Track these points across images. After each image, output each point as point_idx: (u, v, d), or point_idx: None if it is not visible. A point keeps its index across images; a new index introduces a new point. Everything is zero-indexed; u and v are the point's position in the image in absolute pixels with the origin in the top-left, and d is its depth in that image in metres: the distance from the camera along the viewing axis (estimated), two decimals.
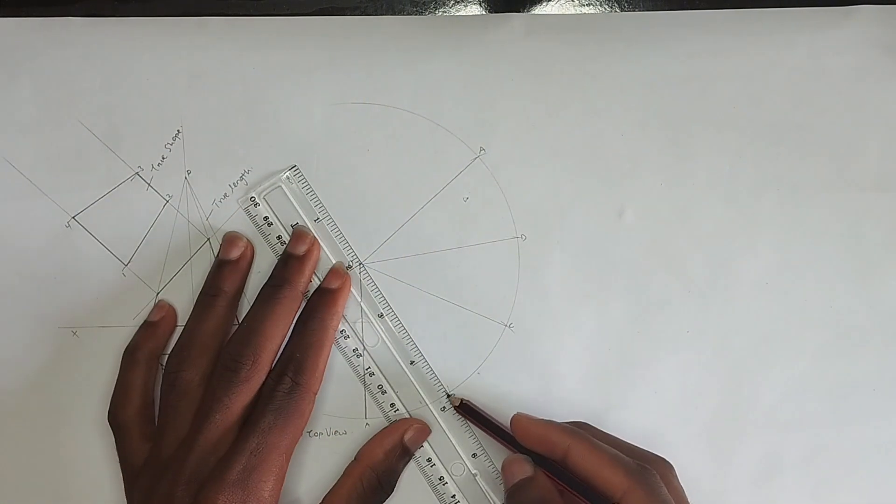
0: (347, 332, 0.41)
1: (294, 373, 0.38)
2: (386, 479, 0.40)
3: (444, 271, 0.41)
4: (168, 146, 0.41)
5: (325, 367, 0.39)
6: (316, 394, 0.38)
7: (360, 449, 0.40)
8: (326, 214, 0.41)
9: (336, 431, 0.41)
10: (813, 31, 0.42)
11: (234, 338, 0.38)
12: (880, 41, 0.42)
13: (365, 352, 0.41)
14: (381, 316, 0.41)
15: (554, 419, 0.39)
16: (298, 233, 0.41)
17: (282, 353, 0.39)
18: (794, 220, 0.42)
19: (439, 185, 0.41)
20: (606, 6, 0.43)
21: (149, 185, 0.41)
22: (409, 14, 0.43)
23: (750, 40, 0.42)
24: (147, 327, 0.40)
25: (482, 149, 0.42)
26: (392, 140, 0.41)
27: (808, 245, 0.42)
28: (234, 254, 0.40)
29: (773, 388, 0.42)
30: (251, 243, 0.41)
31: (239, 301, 0.40)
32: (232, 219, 0.41)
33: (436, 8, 0.43)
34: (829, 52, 0.42)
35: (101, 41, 0.41)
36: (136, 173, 0.41)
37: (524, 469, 0.37)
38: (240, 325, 0.39)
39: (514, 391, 0.41)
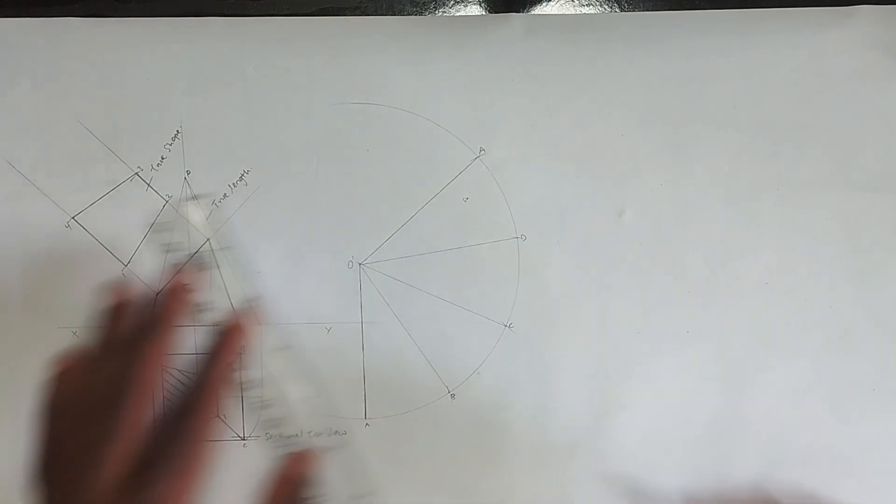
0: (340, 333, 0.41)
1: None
2: None
3: (444, 271, 0.41)
4: (167, 146, 0.41)
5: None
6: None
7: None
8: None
9: (336, 432, 0.41)
10: (813, 31, 0.42)
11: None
12: (880, 41, 0.42)
13: (364, 353, 0.41)
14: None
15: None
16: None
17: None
18: (794, 220, 0.42)
19: (439, 185, 0.41)
20: (606, 6, 0.43)
21: (148, 185, 0.41)
22: (409, 14, 0.43)
23: (750, 40, 0.42)
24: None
25: (482, 149, 0.42)
26: (392, 140, 0.41)
27: (808, 245, 0.42)
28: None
29: (773, 388, 0.42)
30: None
31: None
32: (231, 220, 0.41)
33: (436, 8, 0.43)
34: (830, 52, 0.42)
35: (101, 41, 0.41)
36: (136, 174, 0.41)
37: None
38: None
39: (514, 391, 0.41)
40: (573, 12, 0.43)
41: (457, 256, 0.41)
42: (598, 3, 0.43)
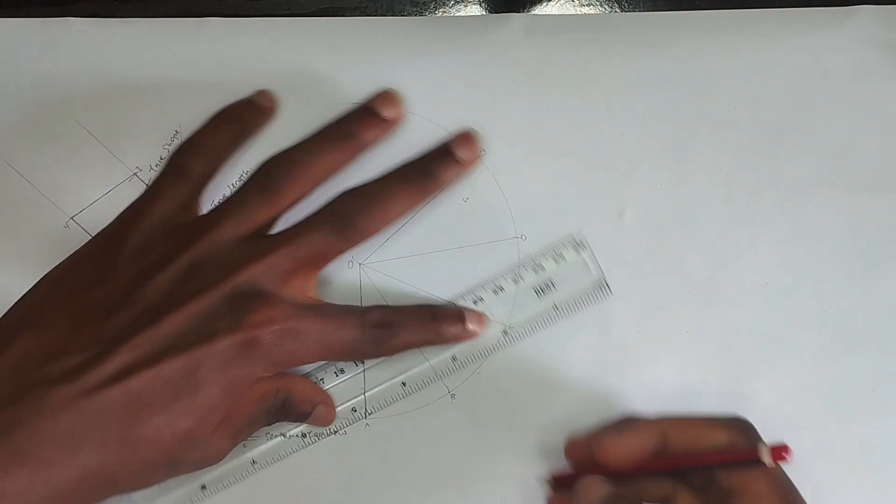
0: None
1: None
2: (282, 410, 0.38)
3: (444, 271, 0.41)
4: (166, 147, 0.41)
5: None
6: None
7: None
8: None
9: (336, 431, 0.41)
10: (813, 32, 0.42)
11: (272, 160, 0.37)
12: (880, 41, 0.42)
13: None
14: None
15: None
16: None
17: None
18: (794, 220, 0.42)
19: None
20: (606, 6, 0.43)
21: (147, 185, 0.41)
22: (409, 14, 0.43)
23: (750, 40, 0.42)
24: (252, 107, 0.40)
25: (482, 149, 0.41)
26: (392, 140, 0.41)
27: (808, 245, 0.42)
28: (389, 113, 0.39)
29: (773, 388, 0.42)
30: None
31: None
32: None
33: (436, 8, 0.43)
34: (830, 52, 0.42)
35: (100, 41, 0.41)
36: (135, 174, 0.41)
37: (599, 490, 0.35)
38: (279, 152, 0.38)
39: (515, 391, 0.41)
40: (573, 12, 0.43)
41: (457, 256, 0.41)
42: (598, 3, 0.43)
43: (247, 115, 0.40)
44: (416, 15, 0.43)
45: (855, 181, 0.42)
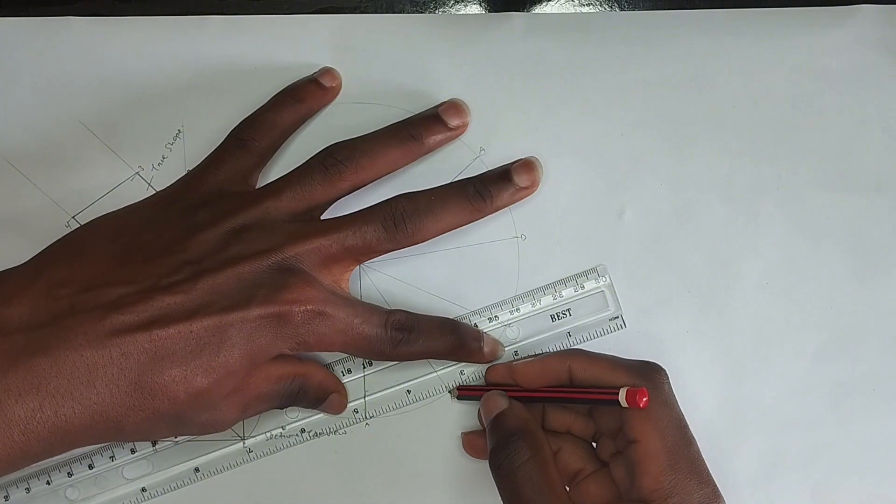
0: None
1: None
2: (297, 396, 0.38)
3: (444, 271, 0.41)
4: (168, 146, 0.41)
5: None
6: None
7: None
8: None
9: (336, 431, 0.41)
10: (813, 31, 0.42)
11: (338, 144, 0.38)
12: (880, 41, 0.42)
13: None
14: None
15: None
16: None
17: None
18: (794, 220, 0.42)
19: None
20: (606, 6, 0.43)
21: (149, 185, 0.41)
22: (409, 13, 0.43)
23: (750, 40, 0.42)
24: (316, 86, 0.41)
25: (482, 149, 0.42)
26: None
27: (808, 245, 0.42)
28: (454, 122, 0.40)
29: (773, 388, 0.42)
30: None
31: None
32: None
33: (436, 7, 0.43)
34: (829, 52, 0.42)
35: (101, 41, 0.41)
36: (137, 173, 0.41)
37: (499, 403, 0.37)
38: (346, 139, 0.39)
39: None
40: (573, 12, 0.43)
41: (457, 256, 0.41)
42: (598, 3, 0.43)
43: (309, 93, 0.41)
44: (416, 14, 0.43)
45: (855, 181, 0.42)
